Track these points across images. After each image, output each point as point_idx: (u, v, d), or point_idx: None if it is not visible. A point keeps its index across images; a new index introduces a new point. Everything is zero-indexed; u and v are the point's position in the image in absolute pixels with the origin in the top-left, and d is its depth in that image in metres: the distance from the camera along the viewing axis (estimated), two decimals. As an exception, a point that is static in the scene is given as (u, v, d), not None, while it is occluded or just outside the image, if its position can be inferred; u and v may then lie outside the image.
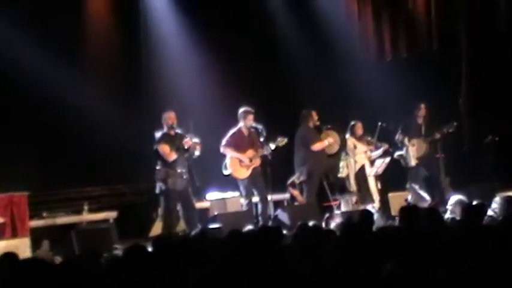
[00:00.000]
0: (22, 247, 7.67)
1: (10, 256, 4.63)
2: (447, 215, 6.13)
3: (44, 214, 9.34)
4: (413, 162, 10.31)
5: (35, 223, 9.01)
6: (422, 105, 10.36)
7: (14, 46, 9.30)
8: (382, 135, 10.31)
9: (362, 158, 10.19)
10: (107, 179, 10.31)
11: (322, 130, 9.91)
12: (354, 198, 9.99)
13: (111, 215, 9.52)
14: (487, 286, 2.94)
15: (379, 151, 10.25)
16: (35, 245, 8.10)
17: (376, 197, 10.12)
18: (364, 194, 10.10)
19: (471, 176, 10.47)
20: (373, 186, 10.20)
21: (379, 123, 10.18)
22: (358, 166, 10.16)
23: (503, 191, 8.45)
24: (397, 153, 10.36)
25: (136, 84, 10.81)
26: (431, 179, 10.27)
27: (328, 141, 9.84)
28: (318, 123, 9.83)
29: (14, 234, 8.50)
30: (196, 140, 8.73)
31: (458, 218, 5.78)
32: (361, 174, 10.15)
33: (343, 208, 9.73)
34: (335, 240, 5.20)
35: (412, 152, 10.31)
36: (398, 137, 10.35)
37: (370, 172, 10.21)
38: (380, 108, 10.69)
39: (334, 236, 5.44)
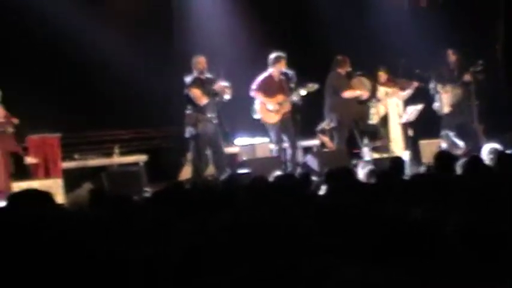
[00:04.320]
0: (55, 187, 7.82)
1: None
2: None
3: (76, 156, 9.47)
4: (446, 109, 10.14)
5: (67, 165, 9.15)
6: (450, 52, 10.15)
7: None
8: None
9: (392, 104, 10.09)
10: (137, 122, 10.35)
11: (353, 76, 9.77)
12: (384, 145, 9.90)
13: (141, 158, 9.59)
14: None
15: (410, 90, 10.10)
16: (67, 186, 8.21)
17: (406, 144, 10.03)
18: (394, 140, 10.03)
19: (506, 124, 10.28)
20: (404, 133, 10.10)
21: (416, 71, 10.03)
22: (388, 112, 10.06)
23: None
24: (435, 104, 10.17)
25: (167, 28, 10.73)
26: (464, 127, 10.10)
27: (359, 92, 9.70)
28: (349, 69, 9.69)
29: (47, 175, 8.66)
30: (226, 84, 8.69)
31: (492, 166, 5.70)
32: (391, 121, 10.07)
33: (373, 155, 9.65)
34: (365, 186, 5.18)
35: (445, 99, 10.13)
36: (431, 84, 10.18)
37: (402, 119, 10.09)
38: (414, 56, 10.45)
39: (362, 183, 5.42)
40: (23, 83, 9.08)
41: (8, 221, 3.44)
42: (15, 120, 8.15)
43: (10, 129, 8.06)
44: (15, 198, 3.50)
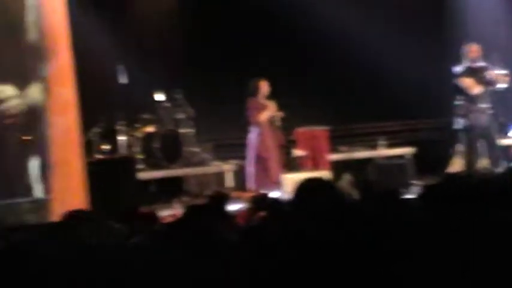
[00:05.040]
0: (324, 180, 7.92)
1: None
2: None
3: (342, 148, 9.58)
4: None
5: (334, 157, 9.28)
6: None
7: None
8: None
9: None
10: (405, 114, 10.16)
11: None
12: None
13: (408, 150, 9.45)
14: None
15: None
16: (335, 178, 8.28)
17: None
18: None
19: None
20: None
21: None
22: None
23: None
24: None
25: (437, 16, 10.35)
26: None
27: None
28: None
29: (315, 167, 8.85)
30: (502, 71, 8.13)
31: None
32: None
33: None
34: None
35: None
36: None
37: None
38: None
39: None
40: (293, 77, 9.36)
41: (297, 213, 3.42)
42: (282, 114, 8.41)
43: (278, 123, 8.37)
44: (302, 189, 3.43)
